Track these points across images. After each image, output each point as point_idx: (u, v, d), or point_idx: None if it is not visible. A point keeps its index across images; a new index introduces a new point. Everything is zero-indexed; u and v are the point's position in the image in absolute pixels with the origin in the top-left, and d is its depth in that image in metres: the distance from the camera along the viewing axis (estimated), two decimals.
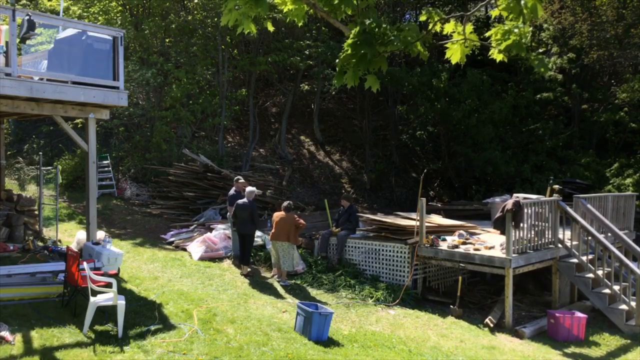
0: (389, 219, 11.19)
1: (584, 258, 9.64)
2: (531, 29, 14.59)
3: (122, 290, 7.81)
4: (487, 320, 9.07)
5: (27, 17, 8.03)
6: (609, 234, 10.22)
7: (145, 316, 7.34)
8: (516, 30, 4.23)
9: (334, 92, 22.60)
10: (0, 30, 8.93)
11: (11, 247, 9.77)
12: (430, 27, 4.54)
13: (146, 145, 17.24)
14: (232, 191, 11.19)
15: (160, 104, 17.50)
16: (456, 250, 9.72)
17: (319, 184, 19.34)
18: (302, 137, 21.87)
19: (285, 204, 10.29)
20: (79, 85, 8.58)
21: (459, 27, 4.61)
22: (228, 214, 11.27)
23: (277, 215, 10.17)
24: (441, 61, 18.65)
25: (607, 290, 9.27)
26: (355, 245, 10.98)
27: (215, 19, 16.62)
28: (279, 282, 10.03)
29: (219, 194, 14.37)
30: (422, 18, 4.62)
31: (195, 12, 17.82)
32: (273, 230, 10.11)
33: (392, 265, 10.43)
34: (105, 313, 6.95)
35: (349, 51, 4.33)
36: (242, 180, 11.39)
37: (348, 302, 9.33)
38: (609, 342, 8.56)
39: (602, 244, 9.42)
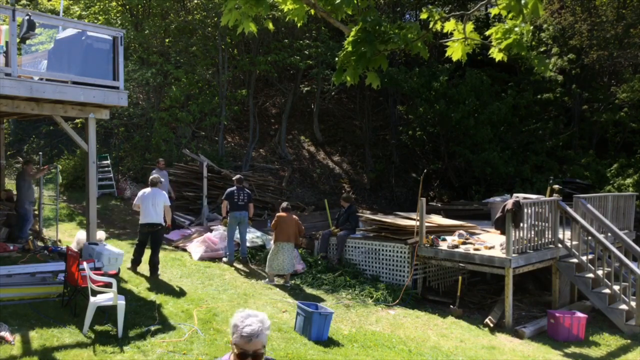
0: (389, 219, 11.18)
1: (584, 258, 9.64)
2: (531, 27, 14.60)
3: (122, 290, 7.80)
4: (487, 320, 9.06)
5: (27, 17, 8.03)
6: (609, 234, 10.22)
7: (145, 316, 7.33)
8: (517, 29, 4.23)
9: (333, 93, 22.59)
10: (0, 30, 8.93)
11: (11, 247, 9.77)
12: (430, 25, 4.54)
13: (146, 145, 17.24)
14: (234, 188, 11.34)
15: (160, 104, 17.50)
16: (456, 250, 9.72)
17: (319, 184, 19.32)
18: (302, 138, 21.86)
19: (284, 204, 10.22)
20: (79, 85, 8.57)
21: (459, 25, 4.61)
22: (222, 210, 11.44)
23: (282, 217, 9.84)
24: (440, 61, 18.66)
25: (607, 290, 9.27)
26: (355, 245, 10.98)
27: (215, 19, 16.62)
28: (281, 283, 10.02)
29: (219, 194, 14.36)
30: (423, 16, 4.62)
31: (195, 12, 17.82)
32: (284, 232, 9.73)
33: (392, 265, 10.42)
34: (105, 313, 6.94)
35: (349, 49, 4.33)
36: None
37: (348, 302, 9.32)
38: (609, 342, 8.55)
39: (602, 244, 9.42)
